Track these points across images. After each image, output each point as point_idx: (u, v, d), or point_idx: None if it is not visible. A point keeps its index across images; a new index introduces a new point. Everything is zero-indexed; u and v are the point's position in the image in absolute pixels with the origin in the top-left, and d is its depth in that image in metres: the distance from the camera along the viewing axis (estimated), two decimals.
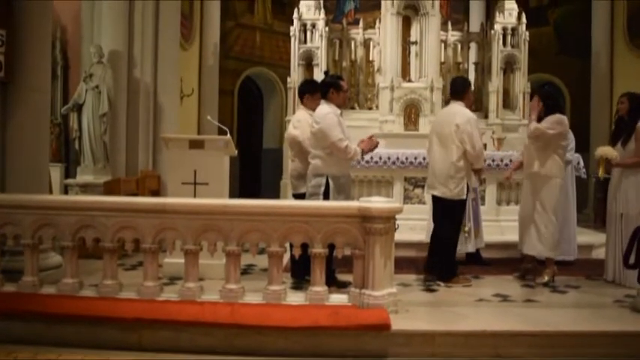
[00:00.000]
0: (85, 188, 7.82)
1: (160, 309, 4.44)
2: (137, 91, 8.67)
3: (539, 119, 5.89)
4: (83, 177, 8.02)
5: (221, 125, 7.09)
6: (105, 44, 8.23)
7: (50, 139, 6.96)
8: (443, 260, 5.84)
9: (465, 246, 6.51)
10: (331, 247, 4.58)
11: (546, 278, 5.88)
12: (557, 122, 5.83)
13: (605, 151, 5.83)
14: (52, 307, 4.47)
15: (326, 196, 5.30)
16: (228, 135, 6.25)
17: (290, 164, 6.14)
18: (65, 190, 8.29)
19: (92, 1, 8.51)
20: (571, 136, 6.69)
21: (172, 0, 9.25)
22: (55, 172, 8.32)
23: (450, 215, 5.84)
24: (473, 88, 11.31)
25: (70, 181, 8.28)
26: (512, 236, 6.88)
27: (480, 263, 6.71)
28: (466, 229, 6.35)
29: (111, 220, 4.60)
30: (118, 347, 4.25)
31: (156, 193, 8.38)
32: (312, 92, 5.84)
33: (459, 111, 5.85)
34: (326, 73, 6.52)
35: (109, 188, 7.45)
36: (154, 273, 4.68)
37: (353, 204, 4.60)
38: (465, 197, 5.82)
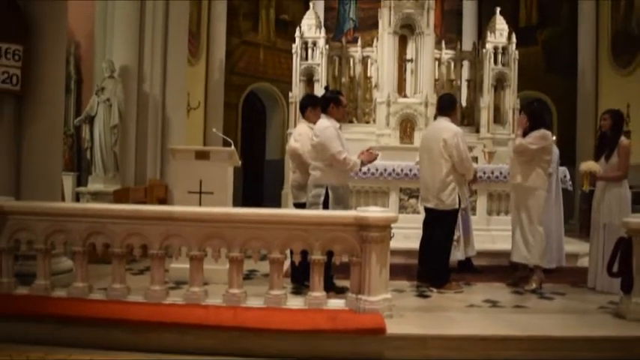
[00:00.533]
0: (96, 196, 7.82)
1: (166, 312, 4.44)
2: (146, 104, 8.69)
3: (525, 134, 5.93)
4: (94, 185, 8.02)
5: (226, 137, 7.11)
6: (116, 60, 8.26)
7: (63, 149, 6.98)
8: (436, 267, 5.84)
9: (454, 254, 6.49)
10: (330, 254, 4.58)
11: (534, 285, 5.88)
12: (540, 137, 5.86)
13: (588, 165, 5.87)
14: (62, 310, 4.47)
15: (325, 206, 5.31)
16: (233, 146, 6.27)
17: (291, 175, 6.15)
18: (77, 197, 8.30)
19: (105, 18, 8.55)
20: (555, 150, 6.72)
21: (181, 19, 9.29)
22: (68, 181, 8.33)
23: (442, 224, 5.84)
24: (465, 104, 11.46)
25: (81, 189, 8.28)
26: (503, 245, 6.90)
27: (471, 271, 6.72)
28: (455, 237, 6.35)
29: (120, 227, 4.61)
30: (126, 348, 4.24)
31: (163, 201, 8.39)
32: (313, 106, 5.87)
33: (445, 126, 5.88)
34: (326, 88, 6.55)
35: (119, 196, 7.45)
36: (161, 277, 4.67)
37: (350, 213, 4.60)
38: (457, 207, 5.82)
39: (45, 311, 4.45)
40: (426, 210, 6.02)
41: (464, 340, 4.30)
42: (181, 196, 6.00)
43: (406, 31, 10.98)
